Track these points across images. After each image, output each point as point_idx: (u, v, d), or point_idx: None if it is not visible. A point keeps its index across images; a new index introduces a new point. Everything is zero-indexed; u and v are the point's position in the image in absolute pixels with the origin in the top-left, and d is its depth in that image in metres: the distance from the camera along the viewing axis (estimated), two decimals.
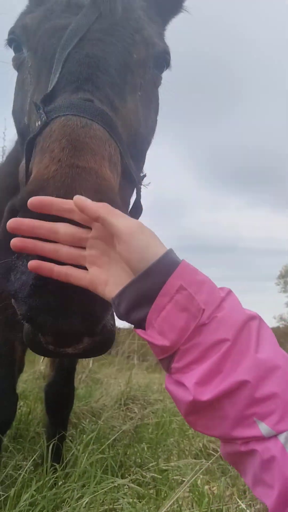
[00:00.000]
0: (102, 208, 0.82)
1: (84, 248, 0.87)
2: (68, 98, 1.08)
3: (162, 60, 1.45)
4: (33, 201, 0.84)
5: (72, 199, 0.84)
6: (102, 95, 1.14)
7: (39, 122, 1.06)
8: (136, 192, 1.36)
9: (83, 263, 0.86)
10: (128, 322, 0.83)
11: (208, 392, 0.73)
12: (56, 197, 0.86)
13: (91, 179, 0.91)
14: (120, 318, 0.84)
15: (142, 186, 1.42)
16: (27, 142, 1.08)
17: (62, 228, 0.86)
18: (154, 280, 0.78)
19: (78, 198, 0.82)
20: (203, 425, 0.78)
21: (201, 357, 0.75)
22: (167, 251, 0.81)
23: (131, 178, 1.21)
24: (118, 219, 0.82)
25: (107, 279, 0.84)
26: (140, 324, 0.81)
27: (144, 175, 1.46)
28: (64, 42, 1.18)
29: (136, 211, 1.38)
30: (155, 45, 1.38)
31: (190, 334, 0.76)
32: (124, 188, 1.16)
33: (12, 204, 0.91)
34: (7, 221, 0.89)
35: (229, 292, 0.83)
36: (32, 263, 0.84)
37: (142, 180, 1.44)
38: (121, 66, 1.24)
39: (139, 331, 0.81)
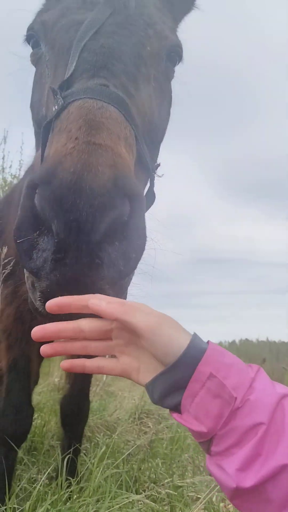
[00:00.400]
0: (117, 310, 0.82)
1: (110, 338, 0.89)
2: (85, 84, 1.11)
3: (175, 53, 1.49)
4: (50, 305, 0.85)
5: (88, 172, 0.87)
6: (117, 82, 1.17)
7: (56, 107, 1.08)
8: (150, 181, 1.38)
9: (112, 353, 0.89)
10: (164, 407, 0.85)
11: (250, 478, 0.74)
12: (73, 171, 0.87)
13: (107, 155, 0.93)
14: (155, 403, 0.86)
15: (155, 176, 1.44)
16: (44, 126, 1.10)
17: (86, 324, 0.87)
18: (183, 370, 0.80)
19: (92, 303, 0.83)
20: (250, 508, 0.79)
21: (239, 441, 0.77)
22: (191, 341, 0.82)
23: (146, 165, 1.23)
24: (136, 318, 0.82)
25: (139, 366, 0.87)
26: (175, 407, 0.83)
27: (158, 165, 1.49)
28: (80, 35, 1.22)
29: (149, 200, 1.40)
30: (168, 38, 1.43)
31: (225, 420, 0.77)
32: (138, 174, 1.18)
33: (31, 179, 0.93)
34: (27, 196, 0.92)
35: (258, 370, 0.84)
36: (65, 365, 0.90)
37: (156, 169, 1.47)
38: (135, 57, 1.29)
39: (175, 415, 0.83)
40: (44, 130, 1.10)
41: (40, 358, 3.32)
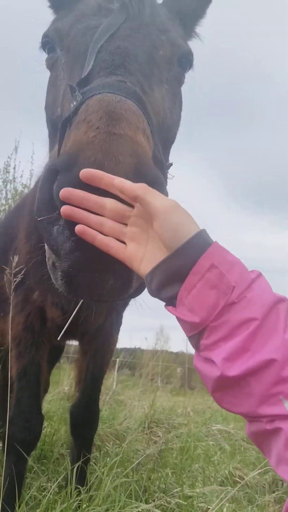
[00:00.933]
0: (139, 188, 0.86)
1: (126, 225, 0.93)
2: (103, 80, 1.14)
3: (186, 60, 1.54)
4: (84, 173, 0.88)
5: (110, 162, 0.91)
6: (133, 79, 1.21)
7: (75, 103, 1.10)
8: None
9: (123, 239, 0.92)
10: (159, 299, 0.87)
11: (236, 368, 0.75)
12: (94, 160, 0.91)
13: (127, 144, 0.96)
14: (152, 294, 0.88)
15: (168, 175, 1.46)
16: (62, 122, 1.12)
17: (109, 203, 0.91)
18: (186, 258, 0.81)
19: (118, 179, 0.87)
20: (229, 402, 0.80)
21: (230, 334, 0.78)
22: (199, 231, 0.84)
23: (160, 162, 1.25)
24: (155, 198, 0.86)
25: (143, 256, 0.89)
26: (171, 301, 0.85)
27: (171, 164, 1.51)
28: (97, 37, 1.27)
29: None
30: (180, 46, 1.48)
31: (219, 311, 0.78)
32: None
33: (53, 164, 0.96)
34: (47, 180, 0.95)
35: (259, 274, 0.85)
36: (79, 227, 0.90)
37: (168, 168, 1.49)
38: (149, 59, 1.33)
39: (169, 308, 0.85)
40: (62, 126, 1.12)
41: (50, 366, 3.34)
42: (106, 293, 0.95)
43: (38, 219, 0.96)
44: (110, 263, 0.93)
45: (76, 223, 0.90)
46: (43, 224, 0.96)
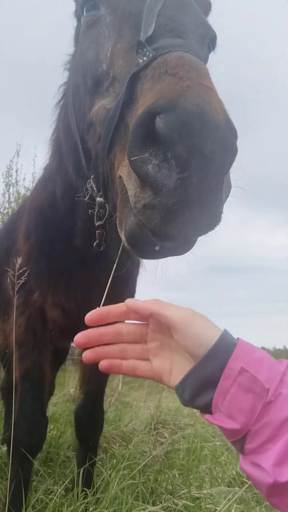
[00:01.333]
0: (152, 305, 0.87)
1: (145, 342, 0.94)
2: (173, 41, 1.17)
3: (210, 42, 1.59)
4: (90, 316, 0.91)
5: (210, 109, 0.91)
6: (195, 45, 1.24)
7: (145, 58, 1.12)
8: None
9: (147, 357, 0.94)
10: (194, 407, 0.85)
11: (287, 472, 0.73)
12: (197, 104, 0.91)
13: (218, 97, 0.99)
14: (185, 404, 0.86)
15: None
16: (131, 76, 1.13)
17: (125, 328, 0.94)
18: (214, 364, 0.81)
19: (128, 300, 0.90)
20: (287, 505, 0.78)
21: (274, 436, 0.76)
22: (222, 334, 0.84)
23: None
24: (170, 311, 0.86)
25: (171, 368, 0.89)
26: (206, 408, 0.83)
27: None
28: (150, 3, 1.29)
29: None
30: (210, 28, 1.55)
31: (258, 414, 0.77)
32: None
33: (152, 108, 0.95)
34: (141, 123, 0.95)
35: None
36: (104, 364, 0.93)
37: None
38: (195, 33, 1.37)
39: (207, 416, 0.83)
40: (131, 80, 1.14)
41: (54, 368, 3.33)
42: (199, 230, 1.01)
43: (131, 159, 0.97)
44: (216, 207, 0.97)
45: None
46: (136, 164, 0.95)
